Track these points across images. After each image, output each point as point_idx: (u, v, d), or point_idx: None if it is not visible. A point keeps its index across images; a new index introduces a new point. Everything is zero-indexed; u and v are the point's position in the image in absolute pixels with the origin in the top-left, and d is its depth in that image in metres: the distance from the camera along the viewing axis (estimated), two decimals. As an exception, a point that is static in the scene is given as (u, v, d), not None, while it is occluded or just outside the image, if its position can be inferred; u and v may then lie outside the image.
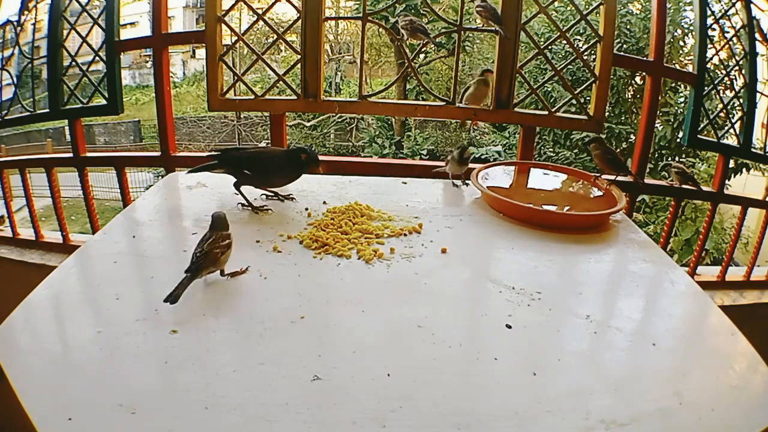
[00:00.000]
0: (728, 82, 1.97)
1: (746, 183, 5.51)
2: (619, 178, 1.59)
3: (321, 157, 1.26)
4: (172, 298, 0.81)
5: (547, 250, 1.08)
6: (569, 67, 3.50)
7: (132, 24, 10.50)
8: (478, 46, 9.81)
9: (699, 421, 0.66)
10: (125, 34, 1.86)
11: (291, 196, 1.28)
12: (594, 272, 1.04)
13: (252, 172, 1.21)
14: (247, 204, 1.21)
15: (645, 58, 1.89)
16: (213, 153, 1.24)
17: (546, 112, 1.84)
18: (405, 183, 1.42)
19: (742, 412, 0.69)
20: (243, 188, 1.23)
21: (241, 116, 10.99)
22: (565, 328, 0.84)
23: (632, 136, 6.66)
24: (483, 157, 7.83)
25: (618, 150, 7.20)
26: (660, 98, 2.08)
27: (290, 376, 0.70)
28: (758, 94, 1.90)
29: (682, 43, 6.69)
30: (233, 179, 1.23)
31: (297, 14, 1.76)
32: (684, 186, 1.94)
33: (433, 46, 2.52)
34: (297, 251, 1.03)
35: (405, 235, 1.11)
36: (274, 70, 1.90)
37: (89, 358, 0.72)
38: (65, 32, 1.87)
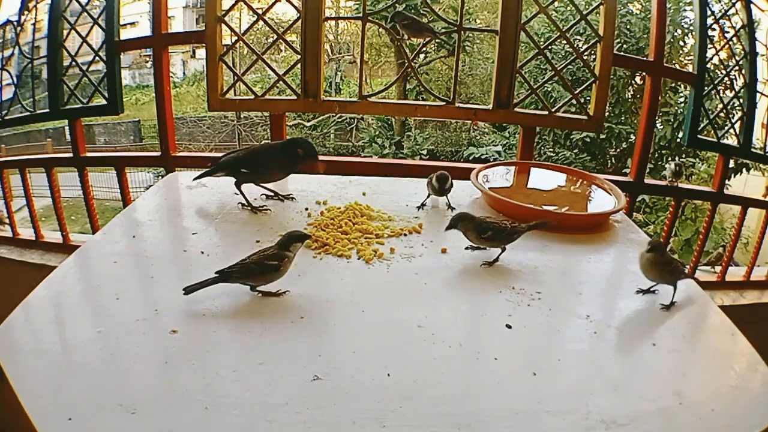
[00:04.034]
0: (728, 82, 1.97)
1: (746, 183, 5.51)
2: (618, 178, 1.59)
3: (321, 158, 1.26)
4: (188, 289, 0.83)
5: (547, 250, 1.08)
6: (569, 67, 3.50)
7: (132, 24, 10.48)
8: (478, 46, 9.82)
9: (699, 421, 0.66)
10: (125, 34, 1.86)
11: (291, 196, 1.28)
12: (594, 272, 1.04)
13: (249, 170, 1.21)
14: (246, 204, 1.22)
15: (645, 58, 1.89)
16: (213, 157, 1.25)
17: (546, 112, 1.84)
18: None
19: (742, 412, 0.69)
20: (244, 188, 1.23)
21: (241, 116, 10.98)
22: (565, 328, 0.84)
23: (632, 136, 6.66)
24: (483, 157, 7.83)
25: (618, 150, 7.22)
26: (660, 98, 2.08)
27: (290, 376, 0.70)
28: (758, 94, 1.90)
29: (682, 43, 6.69)
30: (234, 180, 1.23)
31: (297, 14, 1.76)
32: (676, 183, 1.95)
33: (433, 46, 2.51)
34: (297, 251, 1.03)
35: (405, 235, 1.11)
36: (274, 70, 1.90)
37: (89, 358, 0.72)
38: (65, 32, 1.87)
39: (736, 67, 1.89)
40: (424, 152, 8.97)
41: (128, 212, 1.21)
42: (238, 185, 1.22)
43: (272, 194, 1.27)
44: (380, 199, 1.28)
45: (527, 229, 1.05)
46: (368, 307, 0.86)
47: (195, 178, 1.29)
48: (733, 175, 5.44)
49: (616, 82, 6.71)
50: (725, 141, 1.94)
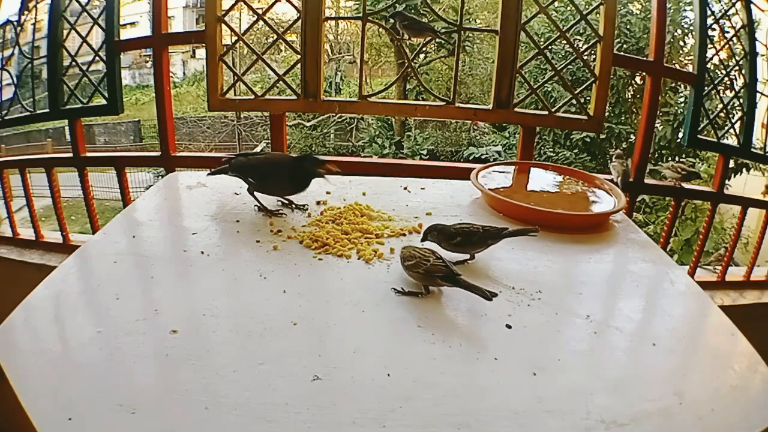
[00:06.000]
0: (728, 82, 1.97)
1: (746, 183, 5.52)
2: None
3: (321, 157, 1.24)
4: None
5: (547, 250, 1.08)
6: (569, 67, 3.50)
7: (132, 24, 10.49)
8: (478, 46, 9.82)
9: (699, 421, 0.66)
10: (125, 34, 1.86)
11: (306, 206, 1.23)
12: (594, 272, 1.04)
13: (255, 180, 1.20)
14: (261, 207, 1.20)
15: (645, 58, 1.89)
16: (226, 156, 1.25)
17: (546, 112, 1.84)
18: (407, 189, 1.39)
19: (742, 412, 0.69)
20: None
21: (241, 116, 10.98)
22: (565, 328, 0.84)
23: (632, 136, 6.66)
24: (483, 157, 7.85)
25: (618, 150, 7.24)
26: (660, 98, 2.08)
27: (290, 376, 0.70)
28: (758, 94, 1.90)
29: (682, 43, 6.71)
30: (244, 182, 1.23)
31: (297, 14, 1.77)
32: (681, 184, 1.95)
33: (433, 46, 2.52)
34: (297, 251, 1.03)
35: (405, 235, 1.11)
36: (274, 70, 1.90)
37: (89, 358, 0.72)
38: (65, 32, 1.87)
39: (736, 67, 1.89)
40: (424, 152, 8.98)
41: (128, 212, 1.21)
42: (250, 191, 1.21)
43: (287, 202, 1.25)
44: (380, 199, 1.28)
45: (503, 237, 1.00)
46: (368, 307, 0.86)
47: (210, 173, 1.29)
48: (733, 175, 5.44)
49: (616, 82, 6.72)
50: (725, 141, 1.95)
